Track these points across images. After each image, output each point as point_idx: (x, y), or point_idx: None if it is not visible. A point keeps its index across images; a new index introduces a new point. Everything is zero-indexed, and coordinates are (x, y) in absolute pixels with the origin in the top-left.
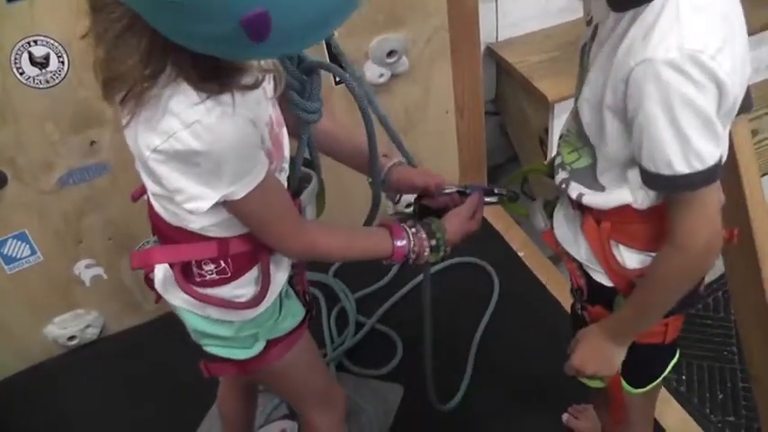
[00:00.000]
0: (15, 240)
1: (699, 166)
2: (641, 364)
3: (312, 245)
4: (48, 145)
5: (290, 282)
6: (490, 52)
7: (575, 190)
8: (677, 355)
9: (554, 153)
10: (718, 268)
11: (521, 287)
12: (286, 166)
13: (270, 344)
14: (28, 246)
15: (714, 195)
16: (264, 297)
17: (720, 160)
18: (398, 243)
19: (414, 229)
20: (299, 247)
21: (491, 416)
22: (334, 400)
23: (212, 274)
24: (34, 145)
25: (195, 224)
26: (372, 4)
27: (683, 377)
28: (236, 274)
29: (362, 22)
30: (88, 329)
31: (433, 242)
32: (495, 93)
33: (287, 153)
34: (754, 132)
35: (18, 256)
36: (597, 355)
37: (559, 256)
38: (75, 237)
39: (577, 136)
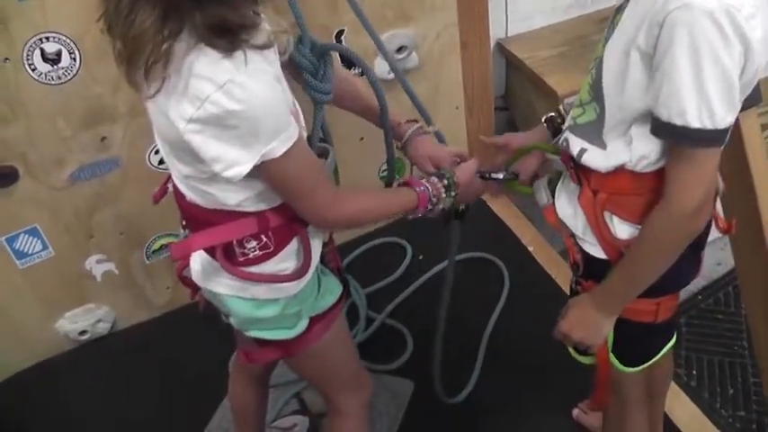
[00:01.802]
0: (27, 235)
1: (709, 125)
2: (632, 343)
3: (349, 210)
4: (59, 141)
5: (323, 260)
6: (500, 48)
7: (576, 145)
8: (674, 339)
9: None
10: (727, 263)
11: (531, 282)
12: (305, 133)
13: (312, 321)
14: (39, 241)
15: (712, 160)
16: (309, 267)
17: (729, 128)
18: (419, 189)
19: (424, 179)
20: (335, 214)
21: (501, 410)
22: (364, 382)
23: (255, 250)
24: (46, 141)
25: (232, 200)
26: (381, 0)
27: (694, 372)
28: (278, 248)
29: (372, 18)
30: (99, 324)
31: (445, 182)
32: (505, 88)
33: (302, 121)
34: (764, 127)
35: (30, 251)
36: (585, 322)
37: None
38: (87, 232)
39: (589, 90)
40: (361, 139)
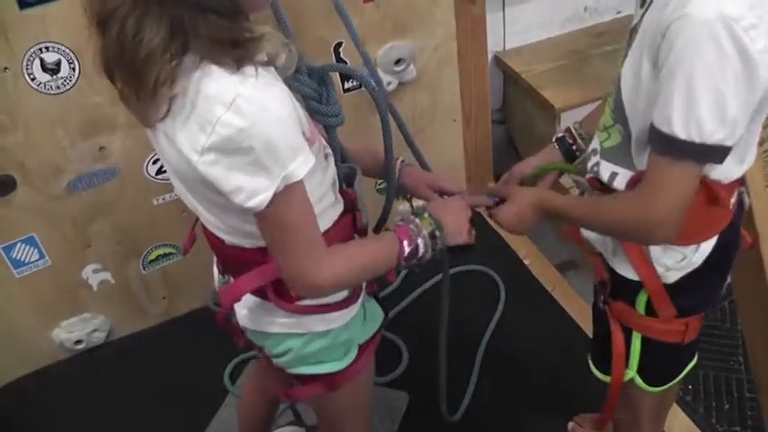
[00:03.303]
0: (24, 245)
1: (696, 138)
2: (661, 363)
3: (339, 271)
4: (57, 150)
5: None
6: (497, 61)
7: (606, 170)
8: (695, 360)
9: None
10: None
11: (527, 294)
12: (329, 151)
13: (360, 350)
14: (36, 250)
15: (693, 176)
16: (360, 293)
17: (720, 146)
18: (405, 242)
19: (412, 225)
20: (326, 276)
21: (496, 423)
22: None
23: None
24: (44, 150)
25: None
26: (380, 12)
27: (690, 387)
28: None
29: (370, 30)
30: (95, 333)
31: (430, 228)
32: (502, 101)
33: (323, 141)
34: (761, 142)
35: (27, 261)
36: (519, 212)
37: (566, 265)
38: (84, 241)
39: (610, 113)
40: None
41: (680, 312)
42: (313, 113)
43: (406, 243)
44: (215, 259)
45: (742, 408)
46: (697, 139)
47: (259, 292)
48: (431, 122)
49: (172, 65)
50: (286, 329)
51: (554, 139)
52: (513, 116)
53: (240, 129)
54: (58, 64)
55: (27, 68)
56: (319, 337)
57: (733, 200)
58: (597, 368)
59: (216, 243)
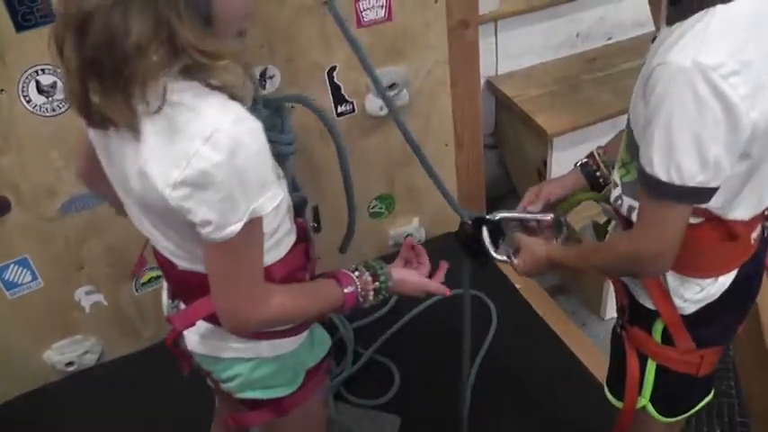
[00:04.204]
0: (17, 266)
1: (676, 180)
2: (675, 394)
3: (279, 308)
4: (51, 171)
5: None
6: (490, 86)
7: (626, 204)
8: (710, 396)
9: None
10: None
11: (518, 319)
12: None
13: (307, 375)
14: (29, 271)
15: (680, 216)
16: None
17: (704, 188)
18: (347, 290)
19: (357, 273)
20: (264, 312)
21: None
22: None
23: None
24: (38, 171)
25: None
26: (373, 37)
27: None
28: None
29: None
30: (86, 355)
31: (377, 284)
32: (495, 126)
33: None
34: None
35: (19, 282)
36: (534, 263)
37: (556, 289)
38: (77, 263)
39: (627, 149)
40: None
41: (697, 344)
42: (269, 143)
43: (348, 291)
44: (164, 285)
45: None
46: (677, 182)
47: (212, 318)
48: (423, 147)
49: (159, 56)
50: (238, 354)
51: (578, 165)
52: (506, 141)
53: (216, 163)
54: (54, 86)
55: (23, 90)
56: (268, 363)
57: (755, 234)
58: (612, 394)
59: (168, 268)
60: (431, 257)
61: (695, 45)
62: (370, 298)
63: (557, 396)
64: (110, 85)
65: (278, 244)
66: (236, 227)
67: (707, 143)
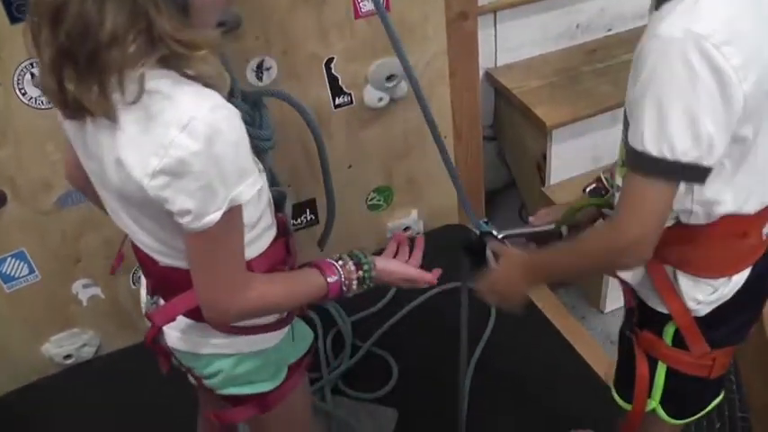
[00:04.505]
0: (14, 259)
1: (669, 156)
2: (685, 396)
3: (260, 297)
4: (48, 165)
5: None
6: (489, 77)
7: None
8: (721, 397)
9: (551, 178)
10: None
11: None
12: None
13: (289, 370)
14: (26, 265)
15: (667, 194)
16: (293, 314)
17: (697, 165)
18: (331, 279)
19: (341, 262)
20: (246, 301)
21: None
22: None
23: None
24: (34, 165)
25: None
26: (371, 29)
27: None
28: None
29: (362, 47)
30: (84, 348)
31: (361, 273)
32: (494, 118)
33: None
34: None
35: (16, 275)
36: (508, 284)
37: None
38: (74, 256)
39: (623, 148)
40: (350, 166)
41: (710, 346)
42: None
43: (331, 281)
44: (142, 281)
45: (733, 427)
46: (669, 157)
47: (192, 313)
48: (422, 139)
49: (137, 46)
50: (217, 350)
51: (587, 190)
52: (505, 132)
53: (193, 152)
54: None
55: (18, 83)
56: (250, 358)
57: (766, 230)
58: (620, 396)
59: (149, 264)
60: (428, 250)
61: (686, 16)
62: (354, 287)
63: (555, 389)
64: (85, 73)
65: (259, 237)
66: (215, 215)
67: (700, 117)
